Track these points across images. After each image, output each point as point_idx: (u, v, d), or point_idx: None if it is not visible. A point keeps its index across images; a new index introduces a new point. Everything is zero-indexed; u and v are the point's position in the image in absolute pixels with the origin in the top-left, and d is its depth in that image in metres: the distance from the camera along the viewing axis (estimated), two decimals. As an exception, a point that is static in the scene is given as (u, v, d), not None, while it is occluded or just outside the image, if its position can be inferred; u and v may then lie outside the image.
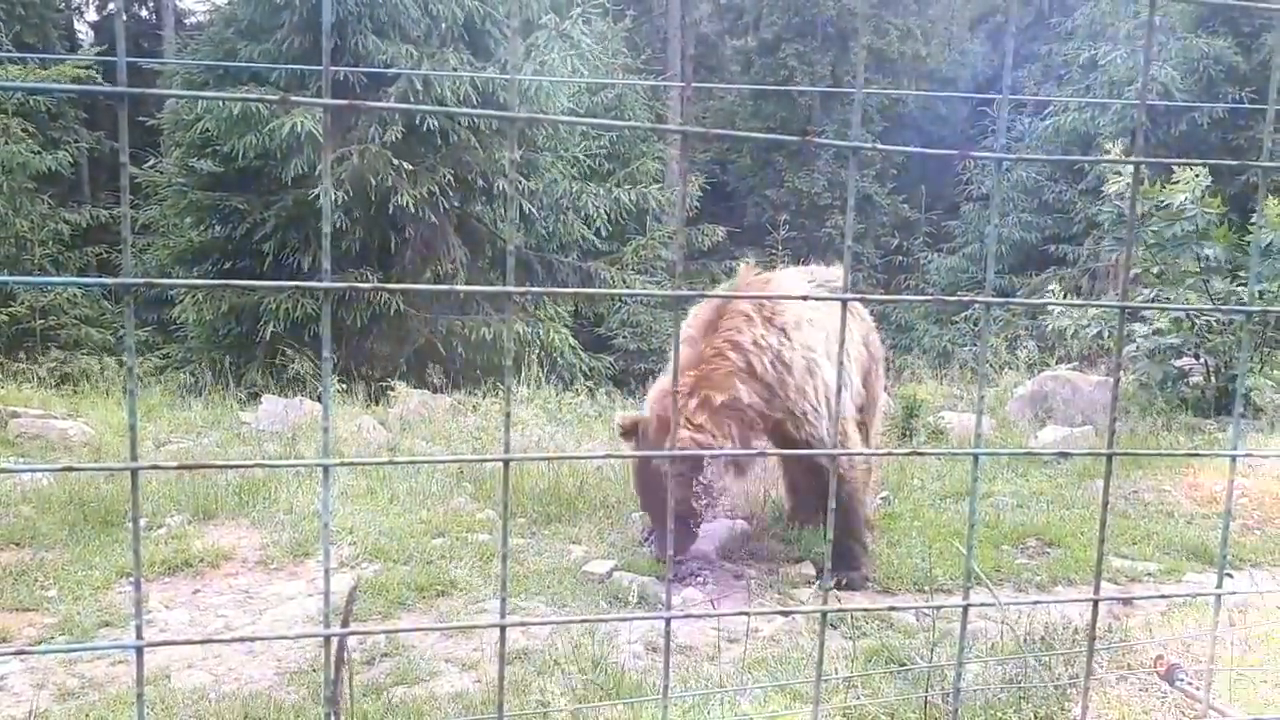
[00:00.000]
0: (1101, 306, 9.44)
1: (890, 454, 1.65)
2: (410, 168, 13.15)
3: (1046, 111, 20.96)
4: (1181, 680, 3.61)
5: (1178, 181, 9.40)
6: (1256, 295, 9.20)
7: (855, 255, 22.12)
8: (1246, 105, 16.82)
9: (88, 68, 16.93)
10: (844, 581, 5.35)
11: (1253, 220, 9.34)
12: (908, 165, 25.74)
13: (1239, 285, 9.49)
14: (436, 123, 13.39)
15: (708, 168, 24.98)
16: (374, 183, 12.89)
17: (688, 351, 5.43)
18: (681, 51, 26.41)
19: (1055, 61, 23.20)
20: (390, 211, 13.17)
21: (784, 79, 25.24)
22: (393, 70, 12.84)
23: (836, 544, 5.17)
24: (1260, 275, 9.17)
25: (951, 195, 24.82)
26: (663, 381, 5.44)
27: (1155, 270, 9.80)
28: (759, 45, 26.71)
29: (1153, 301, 9.72)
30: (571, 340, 15.26)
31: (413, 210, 13.10)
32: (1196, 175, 9.30)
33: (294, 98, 1.19)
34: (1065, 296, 17.32)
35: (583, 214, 16.00)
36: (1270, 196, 9.78)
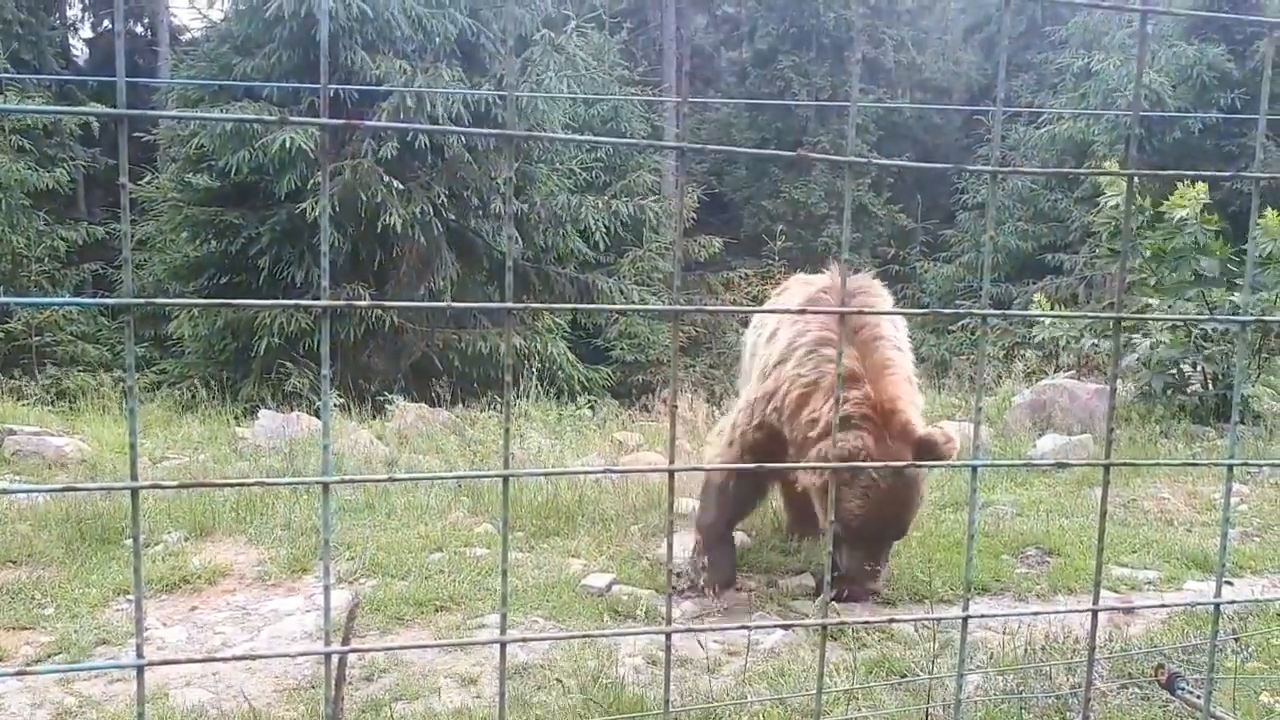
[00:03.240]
0: (1096, 318, 9.47)
1: (888, 465, 1.65)
2: (403, 185, 13.18)
3: (1041, 120, 21.06)
4: (1182, 689, 3.60)
5: (1175, 192, 9.43)
6: (1251, 304, 9.23)
7: (852, 265, 22.16)
8: (1240, 115, 16.91)
9: (86, 87, 17.00)
10: (844, 594, 5.34)
11: (1247, 228, 9.40)
12: (903, 175, 25.83)
13: (1236, 294, 9.52)
14: (429, 138, 13.43)
15: (704, 179, 25.05)
16: (364, 199, 12.91)
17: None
18: (677, 65, 26.51)
19: (1049, 70, 23.31)
20: (379, 230, 13.20)
21: (780, 90, 25.33)
22: (386, 87, 12.89)
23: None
24: (1257, 284, 9.19)
25: (947, 204, 24.91)
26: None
27: (1152, 282, 9.83)
28: (754, 56, 26.83)
29: (1148, 311, 9.75)
30: (569, 353, 15.27)
31: (405, 225, 13.12)
32: (1197, 191, 9.34)
33: (293, 118, 1.19)
34: (1058, 306, 17.36)
35: (580, 226, 16.05)
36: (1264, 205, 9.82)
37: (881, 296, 5.69)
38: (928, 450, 4.66)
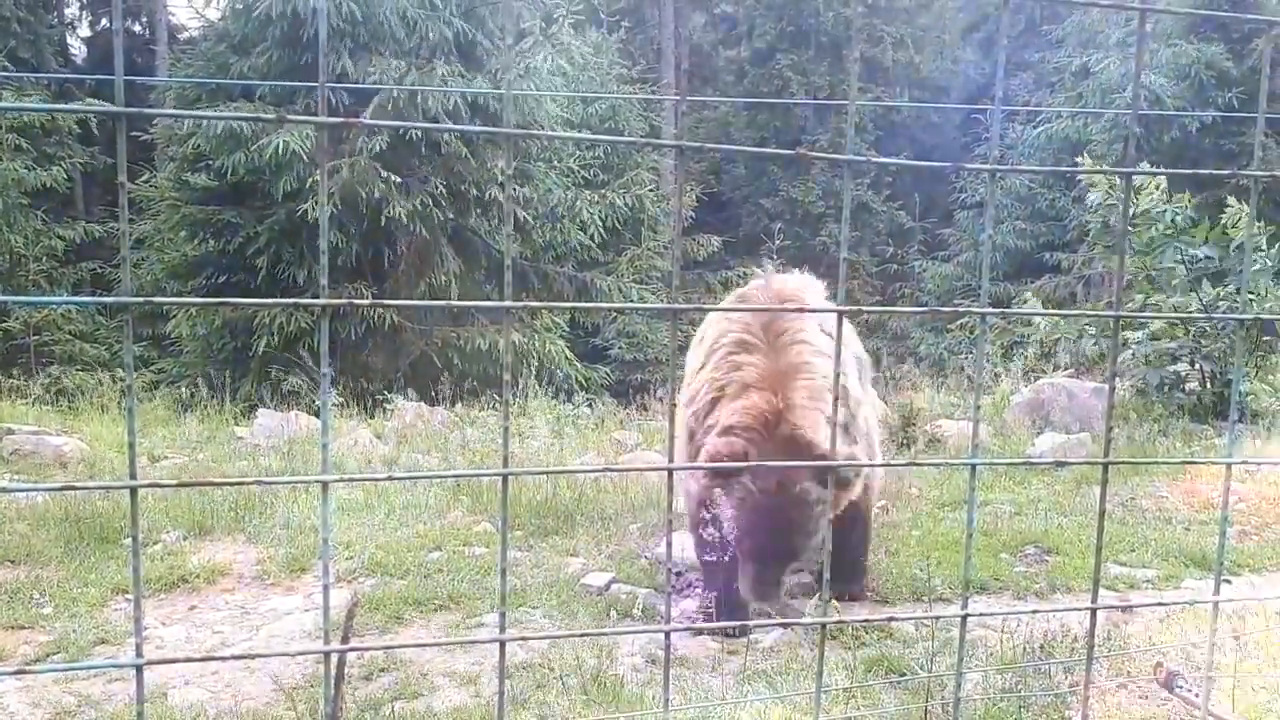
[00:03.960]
0: (1094, 316, 9.46)
1: (888, 464, 1.65)
2: (400, 179, 13.17)
3: (1039, 119, 21.06)
4: (1181, 687, 3.61)
5: (1142, 188, 9.49)
6: (1249, 301, 9.23)
7: (850, 264, 22.10)
8: (1237, 113, 16.92)
9: (84, 86, 17.05)
10: (845, 595, 5.31)
11: (1225, 222, 9.41)
12: (902, 174, 25.84)
13: (1226, 287, 9.52)
14: (424, 134, 13.42)
15: (703, 178, 25.05)
16: (364, 196, 12.90)
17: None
18: (675, 63, 26.51)
19: (1047, 69, 23.31)
20: (382, 224, 13.18)
21: (778, 89, 25.34)
22: (382, 86, 12.88)
23: (835, 555, 5.02)
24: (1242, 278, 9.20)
25: (945, 203, 24.91)
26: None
27: (1144, 276, 9.84)
28: (752, 55, 26.82)
29: (1144, 308, 9.75)
30: (568, 352, 15.26)
31: (404, 221, 13.11)
32: (1157, 182, 9.40)
33: (292, 117, 1.19)
34: (1057, 305, 17.38)
35: (578, 222, 16.05)
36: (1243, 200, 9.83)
37: (820, 297, 5.32)
38: (825, 471, 4.27)
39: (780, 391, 4.45)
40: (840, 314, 1.65)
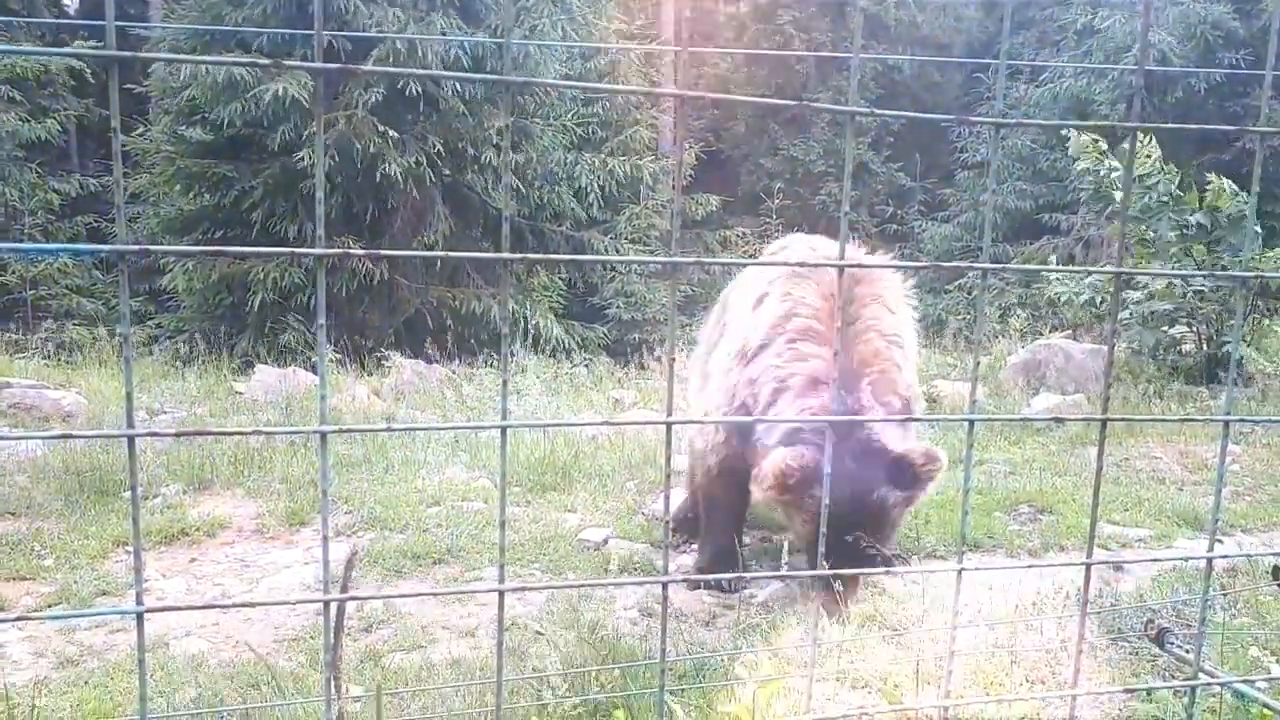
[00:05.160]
0: (1098, 273, 9.42)
1: (885, 420, 1.66)
2: (397, 134, 13.04)
3: (1042, 78, 20.85)
4: (1172, 644, 3.66)
5: (1147, 156, 9.44)
6: (1248, 262, 9.21)
7: (850, 224, 21.95)
8: (1244, 71, 16.75)
9: (76, 35, 16.82)
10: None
11: (1208, 197, 9.35)
12: (902, 133, 25.60)
13: (1219, 254, 9.49)
14: (422, 88, 13.26)
15: (702, 135, 24.81)
16: (360, 149, 12.78)
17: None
18: (675, 17, 26.13)
19: (1051, 27, 23.04)
20: (377, 179, 13.08)
21: (779, 45, 25.01)
22: (379, 34, 12.70)
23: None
24: (1236, 246, 9.19)
25: (946, 163, 24.72)
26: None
27: (1138, 241, 9.83)
28: (753, 10, 26.45)
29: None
30: (557, 324, 15.10)
31: (399, 178, 13.00)
32: (1147, 142, 9.36)
33: (287, 63, 1.17)
34: (1059, 265, 17.34)
35: (575, 184, 15.93)
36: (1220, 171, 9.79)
37: (887, 280, 4.94)
38: (903, 470, 4.17)
39: (851, 389, 4.26)
40: (841, 269, 1.64)
